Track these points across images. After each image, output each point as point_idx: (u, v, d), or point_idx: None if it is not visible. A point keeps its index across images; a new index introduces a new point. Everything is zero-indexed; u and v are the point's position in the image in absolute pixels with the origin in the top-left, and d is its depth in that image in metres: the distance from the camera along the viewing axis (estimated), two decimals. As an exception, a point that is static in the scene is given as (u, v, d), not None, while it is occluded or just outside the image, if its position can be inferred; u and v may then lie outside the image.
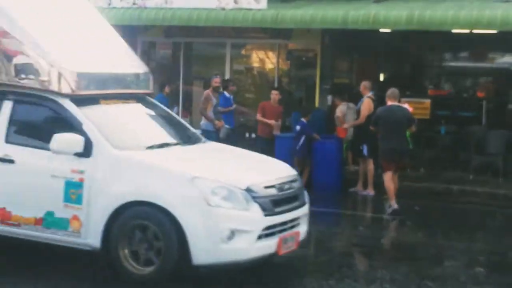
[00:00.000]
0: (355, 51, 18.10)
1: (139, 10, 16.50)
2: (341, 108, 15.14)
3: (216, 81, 14.85)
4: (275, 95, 15.26)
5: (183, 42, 18.91)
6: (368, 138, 13.60)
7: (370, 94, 14.18)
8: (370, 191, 14.09)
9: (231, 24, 16.02)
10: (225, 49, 18.46)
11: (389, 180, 12.07)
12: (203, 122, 14.65)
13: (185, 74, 19.20)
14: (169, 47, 19.37)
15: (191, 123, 18.58)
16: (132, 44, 18.62)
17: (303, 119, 14.59)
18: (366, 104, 14.03)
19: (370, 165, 14.04)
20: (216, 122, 14.30)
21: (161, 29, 18.32)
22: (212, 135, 13.48)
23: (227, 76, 18.24)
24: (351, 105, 15.09)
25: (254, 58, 19.58)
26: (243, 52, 19.38)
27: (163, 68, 19.96)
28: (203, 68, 19.80)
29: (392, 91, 12.48)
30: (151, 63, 19.63)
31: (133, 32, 18.73)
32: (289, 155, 14.02)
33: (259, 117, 15.14)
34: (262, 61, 19.37)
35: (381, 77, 18.69)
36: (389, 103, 12.39)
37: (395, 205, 12.08)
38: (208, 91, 14.81)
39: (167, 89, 16.74)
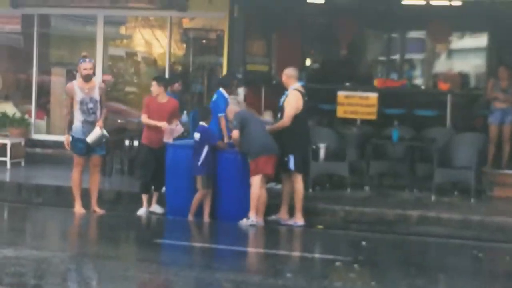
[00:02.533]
0: (274, 28, 17.67)
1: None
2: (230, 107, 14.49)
3: (84, 67, 13.83)
4: (152, 86, 14.26)
5: (36, 14, 18.14)
6: (296, 145, 13.18)
7: (297, 85, 13.51)
8: (299, 220, 13.37)
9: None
10: (95, 25, 17.78)
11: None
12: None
13: (41, 59, 18.43)
14: (17, 22, 18.43)
15: (48, 127, 18.21)
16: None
17: (202, 123, 13.65)
18: (293, 99, 13.29)
19: (299, 183, 13.38)
20: (65, 136, 13.52)
21: (5, -4, 17.46)
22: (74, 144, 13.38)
23: (99, 62, 17.47)
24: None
25: (136, 38, 19.09)
26: (121, 29, 18.93)
27: (10, 50, 19.30)
28: (66, 51, 19.16)
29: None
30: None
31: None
32: (188, 172, 13.34)
33: (144, 118, 14.21)
34: (148, 42, 18.91)
35: (309, 63, 18.58)
36: None
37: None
38: (71, 83, 13.85)
39: (177, 86, 15.70)
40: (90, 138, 13.41)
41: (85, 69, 13.63)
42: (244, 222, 13.01)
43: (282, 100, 13.55)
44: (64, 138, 13.53)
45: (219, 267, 10.27)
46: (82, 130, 13.46)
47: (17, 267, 9.72)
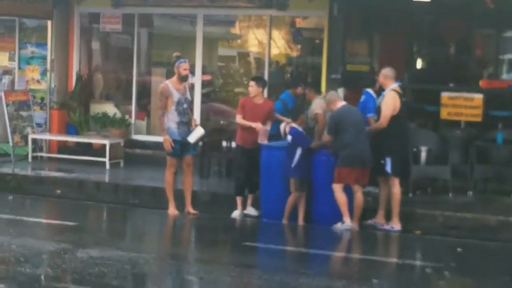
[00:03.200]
0: (376, 26, 17.31)
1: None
2: (319, 102, 14.29)
3: (184, 67, 13.87)
4: (250, 87, 14.17)
5: (137, 14, 18.24)
6: (393, 148, 12.94)
7: (394, 85, 13.24)
8: (395, 225, 13.09)
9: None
10: (195, 24, 17.73)
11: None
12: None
13: (141, 59, 18.59)
14: (118, 21, 18.48)
15: (148, 128, 18.32)
16: (66, 17, 18.30)
17: (294, 125, 13.49)
18: (390, 100, 13.04)
19: (396, 187, 13.10)
20: (164, 138, 13.49)
21: (107, -5, 17.63)
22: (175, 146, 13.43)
23: (198, 62, 17.49)
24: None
25: (237, 37, 18.99)
26: (221, 28, 18.83)
27: (110, 50, 19.54)
28: (166, 50, 19.07)
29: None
30: (94, 43, 19.11)
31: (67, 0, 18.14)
32: (282, 174, 13.22)
33: (239, 118, 14.14)
34: (251, 41, 18.74)
35: (413, 63, 18.14)
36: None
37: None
38: (166, 83, 13.84)
39: (300, 89, 15.64)
40: (192, 138, 13.47)
41: (185, 69, 13.66)
42: (338, 226, 12.83)
43: (379, 101, 13.31)
44: (164, 140, 13.49)
45: (306, 272, 10.14)
46: (177, 131, 13.48)
47: (101, 267, 9.78)
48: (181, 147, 13.48)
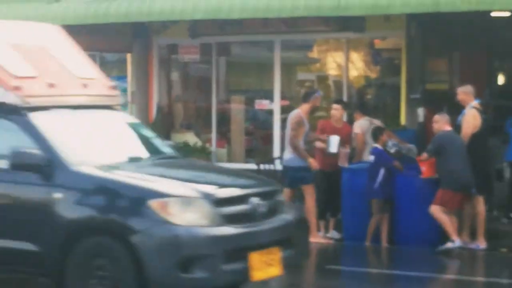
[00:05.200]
0: (455, 43, 17.14)
1: (149, 1, 15.94)
2: (362, 124, 14.38)
3: (319, 98, 14.32)
4: (335, 110, 14.38)
5: (214, 43, 18.39)
6: (477, 165, 12.93)
7: (474, 103, 13.28)
8: (481, 243, 13.08)
9: (277, 15, 15.32)
10: (273, 50, 17.82)
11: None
12: (289, 156, 14.01)
13: (220, 87, 18.69)
14: (196, 51, 18.73)
15: (229, 155, 18.50)
16: (145, 49, 18.67)
17: (376, 145, 13.60)
18: (471, 117, 13.11)
19: (480, 205, 13.10)
20: (311, 160, 13.66)
21: (184, 26, 17.85)
22: (303, 174, 13.65)
23: (276, 87, 17.74)
24: (376, 121, 14.47)
25: (314, 61, 19.01)
26: (298, 53, 18.85)
27: (189, 80, 19.81)
28: (244, 77, 19.34)
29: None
30: (173, 73, 19.37)
31: (146, 32, 18.42)
32: (363, 196, 13.39)
33: (318, 142, 14.32)
34: (329, 65, 18.78)
35: (495, 79, 18.06)
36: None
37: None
38: (300, 112, 14.11)
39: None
40: (334, 147, 13.77)
41: (318, 99, 14.29)
42: (449, 245, 12.70)
43: (459, 118, 13.35)
44: (311, 162, 13.67)
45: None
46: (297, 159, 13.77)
47: None
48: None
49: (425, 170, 13.24)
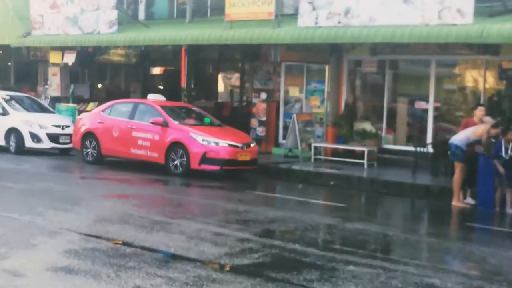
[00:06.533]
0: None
1: (344, 29, 15.69)
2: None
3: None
4: (480, 111, 13.68)
5: (387, 60, 17.98)
6: None
7: None
8: None
9: (435, 40, 14.73)
10: (429, 67, 17.22)
11: None
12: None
13: (390, 92, 18.23)
14: (374, 65, 18.37)
15: (394, 141, 18.09)
16: (338, 62, 18.50)
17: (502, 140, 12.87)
18: None
19: None
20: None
21: (366, 47, 17.55)
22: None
23: (431, 93, 17.12)
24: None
25: (459, 76, 18.09)
26: (447, 69, 17.99)
27: (368, 86, 19.29)
28: (408, 85, 18.76)
29: None
30: (357, 80, 19.14)
31: (339, 50, 18.24)
32: (492, 175, 12.74)
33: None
34: (468, 78, 17.88)
35: None
36: None
37: None
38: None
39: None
40: None
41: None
42: None
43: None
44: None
45: (510, 246, 9.76)
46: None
47: (363, 236, 9.83)
48: None
49: None
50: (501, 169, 12.49)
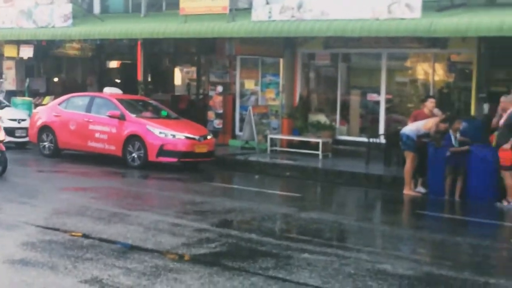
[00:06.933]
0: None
1: (297, 23, 15.74)
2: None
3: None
4: (431, 103, 13.87)
5: (340, 53, 18.12)
6: None
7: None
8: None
9: (385, 34, 14.88)
10: (381, 60, 17.40)
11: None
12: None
13: (343, 84, 18.36)
14: (327, 58, 18.50)
15: (348, 132, 18.27)
16: (292, 56, 18.59)
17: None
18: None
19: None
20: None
21: (319, 40, 17.66)
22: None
23: (382, 86, 17.34)
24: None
25: (410, 68, 18.29)
26: (398, 62, 18.17)
27: (321, 79, 19.36)
28: (360, 78, 18.96)
29: None
30: (310, 73, 19.24)
31: (293, 44, 18.33)
32: (443, 164, 12.92)
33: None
34: (418, 71, 18.10)
35: None
36: None
37: None
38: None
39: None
40: None
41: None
42: (505, 204, 12.04)
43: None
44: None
45: (459, 232, 9.91)
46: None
47: (318, 224, 9.92)
48: None
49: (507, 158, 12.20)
50: (463, 148, 12.69)
